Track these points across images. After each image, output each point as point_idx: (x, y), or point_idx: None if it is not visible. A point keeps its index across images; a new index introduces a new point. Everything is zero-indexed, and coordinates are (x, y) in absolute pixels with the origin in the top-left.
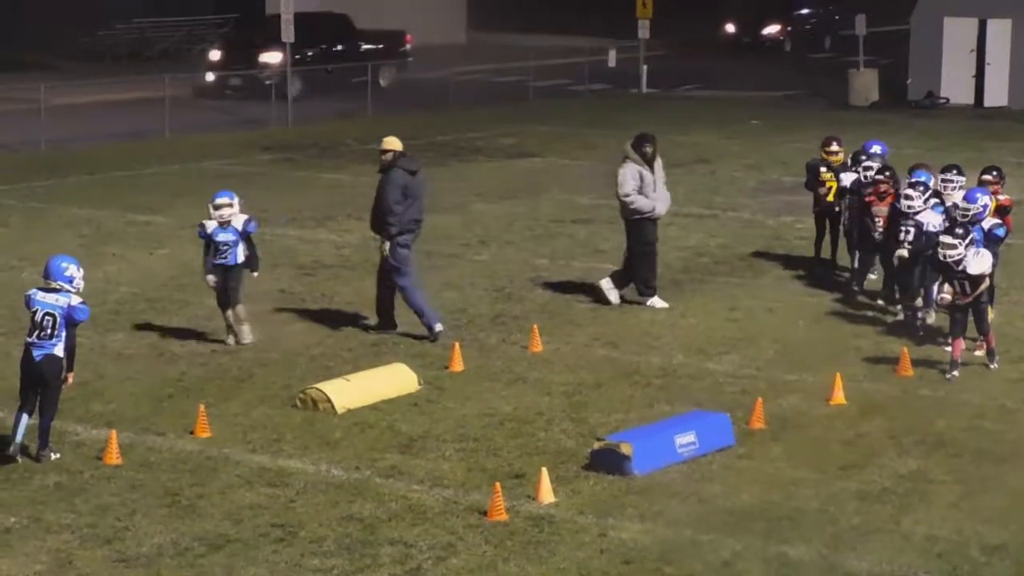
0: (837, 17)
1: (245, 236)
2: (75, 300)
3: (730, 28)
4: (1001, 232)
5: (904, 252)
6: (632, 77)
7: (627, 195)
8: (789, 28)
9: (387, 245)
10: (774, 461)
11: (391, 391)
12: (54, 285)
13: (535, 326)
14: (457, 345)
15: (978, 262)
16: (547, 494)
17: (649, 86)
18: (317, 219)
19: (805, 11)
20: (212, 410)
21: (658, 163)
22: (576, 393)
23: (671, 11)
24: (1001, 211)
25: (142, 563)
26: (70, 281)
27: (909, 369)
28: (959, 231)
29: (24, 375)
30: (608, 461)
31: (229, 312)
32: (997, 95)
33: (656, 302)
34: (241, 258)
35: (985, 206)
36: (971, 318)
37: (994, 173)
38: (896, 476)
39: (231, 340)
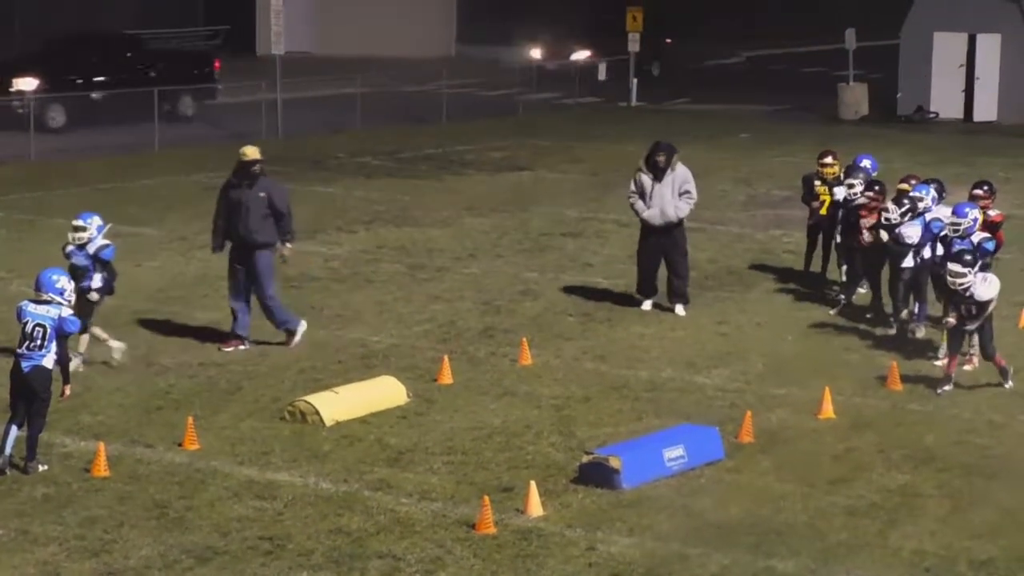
0: (668, 41)
1: (100, 262)
2: (66, 312)
3: (535, 54)
4: (991, 246)
5: (884, 235)
6: (622, 90)
7: (628, 197)
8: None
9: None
10: (763, 475)
11: (380, 404)
12: (45, 297)
13: (524, 339)
14: (446, 358)
15: (986, 288)
16: (536, 507)
17: (639, 99)
18: (307, 232)
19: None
20: (201, 422)
21: (673, 174)
22: (565, 406)
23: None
24: (992, 227)
25: None
26: (61, 293)
27: (899, 383)
28: (967, 258)
29: (13, 387)
30: (597, 475)
31: (84, 336)
32: (986, 110)
33: (645, 304)
34: (97, 283)
35: (975, 219)
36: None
37: (985, 188)
38: (885, 491)
39: (75, 358)
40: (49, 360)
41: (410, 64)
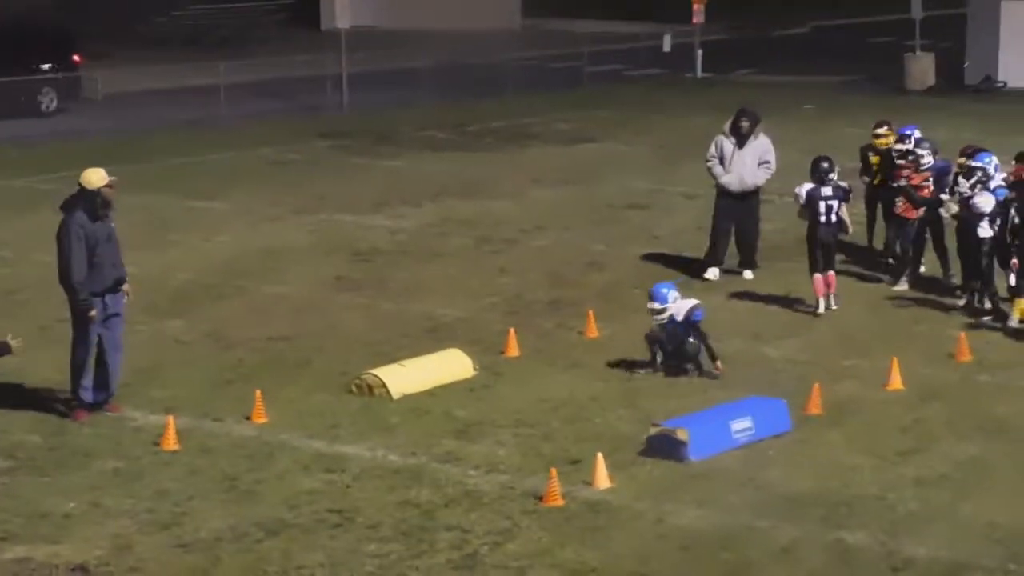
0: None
1: None
2: None
3: None
4: None
5: (954, 208)
6: (687, 62)
7: (707, 160)
8: None
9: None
10: (831, 447)
11: (447, 376)
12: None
13: (591, 312)
14: (513, 330)
15: None
16: (603, 480)
17: (704, 71)
18: (373, 205)
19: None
20: (269, 396)
21: (756, 142)
22: (631, 379)
23: None
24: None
25: (200, 548)
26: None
27: (967, 354)
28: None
29: None
30: (664, 447)
31: None
32: None
33: (709, 273)
34: None
35: None
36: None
37: None
38: (954, 462)
39: None
40: None
41: (475, 37)
